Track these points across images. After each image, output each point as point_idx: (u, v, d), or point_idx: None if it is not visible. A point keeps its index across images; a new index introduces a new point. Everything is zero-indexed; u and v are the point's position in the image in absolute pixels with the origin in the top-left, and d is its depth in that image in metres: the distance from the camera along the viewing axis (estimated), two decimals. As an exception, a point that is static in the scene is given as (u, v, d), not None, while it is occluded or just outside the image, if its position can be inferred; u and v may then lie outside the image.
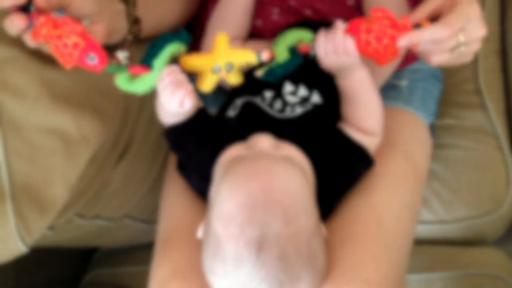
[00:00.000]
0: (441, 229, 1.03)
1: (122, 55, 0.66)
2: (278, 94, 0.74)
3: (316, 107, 0.73)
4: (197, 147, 0.71)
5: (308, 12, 0.83)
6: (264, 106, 0.73)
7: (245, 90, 0.76)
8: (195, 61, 0.67)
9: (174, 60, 0.67)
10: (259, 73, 0.72)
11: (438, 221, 1.03)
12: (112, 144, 0.82)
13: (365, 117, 0.72)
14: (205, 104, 0.74)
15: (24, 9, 0.60)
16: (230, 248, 0.58)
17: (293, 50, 0.70)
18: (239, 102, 0.74)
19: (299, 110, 0.72)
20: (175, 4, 0.85)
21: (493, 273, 1.01)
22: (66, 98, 0.69)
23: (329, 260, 0.64)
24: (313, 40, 0.69)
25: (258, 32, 0.84)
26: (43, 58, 0.66)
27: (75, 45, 0.61)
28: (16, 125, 0.65)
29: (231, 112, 0.74)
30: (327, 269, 0.64)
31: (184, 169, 0.75)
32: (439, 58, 0.65)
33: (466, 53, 0.66)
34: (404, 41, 0.64)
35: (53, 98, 0.68)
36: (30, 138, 0.66)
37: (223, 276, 0.60)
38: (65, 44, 0.61)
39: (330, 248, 0.65)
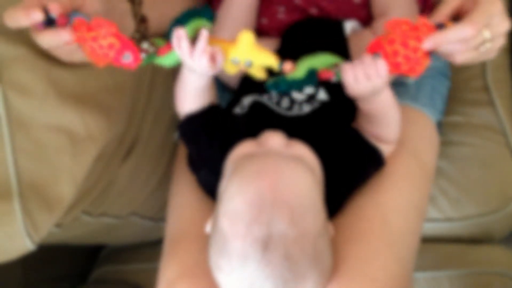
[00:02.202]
0: (448, 227, 1.03)
1: (145, 45, 0.65)
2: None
3: (323, 105, 0.73)
4: (209, 140, 0.71)
5: (313, 11, 0.82)
6: (272, 104, 0.73)
7: (252, 88, 0.76)
8: (216, 46, 0.64)
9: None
10: (269, 80, 0.70)
11: (445, 219, 1.03)
12: (118, 142, 0.82)
13: (384, 132, 0.71)
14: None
15: (48, 22, 0.61)
16: (236, 246, 0.58)
17: (312, 73, 0.66)
18: (246, 101, 0.74)
19: (306, 108, 0.72)
20: (181, 2, 0.86)
21: (500, 271, 1.00)
22: (73, 97, 0.69)
23: (334, 258, 0.64)
24: (335, 66, 0.65)
25: (264, 30, 0.84)
26: (51, 56, 0.66)
27: (110, 46, 0.62)
28: (24, 123, 0.66)
29: (238, 111, 0.74)
30: (333, 268, 0.64)
31: (193, 163, 0.76)
32: (464, 56, 0.63)
33: (491, 50, 0.64)
34: (429, 43, 0.61)
35: (60, 97, 0.68)
36: (37, 136, 0.67)
37: (228, 272, 0.60)
38: (101, 45, 0.61)
39: (335, 246, 0.65)
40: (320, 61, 0.66)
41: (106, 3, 0.66)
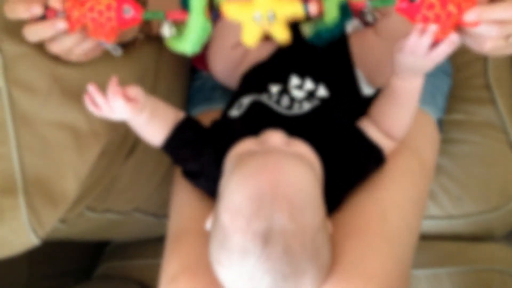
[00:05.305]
0: (449, 224, 1.03)
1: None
2: (285, 88, 0.74)
3: (323, 101, 0.73)
4: (196, 153, 0.72)
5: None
6: (272, 103, 0.73)
7: (251, 86, 0.76)
8: (235, 8, 0.61)
9: (213, 6, 0.64)
10: (307, 30, 0.66)
11: (446, 216, 1.03)
12: (122, 139, 0.83)
13: (396, 123, 0.71)
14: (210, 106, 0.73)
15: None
16: (236, 240, 0.59)
17: (344, 7, 0.62)
18: (245, 101, 0.75)
19: (306, 106, 0.72)
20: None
21: (501, 268, 1.00)
22: (77, 93, 0.70)
23: (333, 254, 0.64)
24: None
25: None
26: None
27: (109, 7, 0.61)
28: (28, 120, 0.67)
29: (235, 112, 0.74)
30: (331, 263, 0.64)
31: (188, 175, 0.76)
32: (493, 44, 0.60)
33: None
34: (472, 15, 0.57)
35: (64, 94, 0.69)
36: (41, 132, 0.67)
37: (228, 266, 0.61)
38: (100, 11, 0.61)
39: (334, 242, 0.65)
40: None
41: None
